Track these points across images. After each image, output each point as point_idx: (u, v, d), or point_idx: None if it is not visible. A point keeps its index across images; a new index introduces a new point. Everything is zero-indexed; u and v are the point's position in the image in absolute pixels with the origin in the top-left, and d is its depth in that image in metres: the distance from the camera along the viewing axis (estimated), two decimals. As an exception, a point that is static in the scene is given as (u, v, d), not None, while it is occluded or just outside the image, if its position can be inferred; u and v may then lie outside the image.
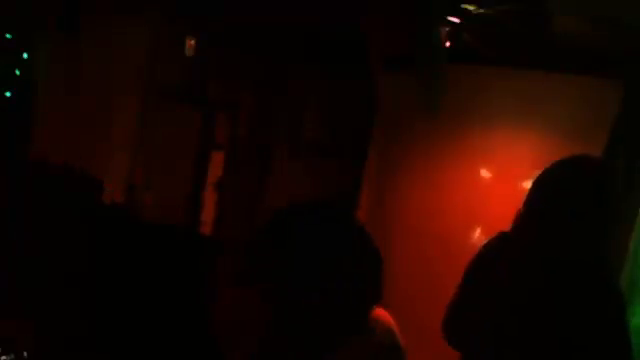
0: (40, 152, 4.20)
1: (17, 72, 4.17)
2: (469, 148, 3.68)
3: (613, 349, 1.89)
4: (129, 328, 0.95)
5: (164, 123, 3.90)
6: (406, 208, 3.93)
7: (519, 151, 3.47)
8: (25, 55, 4.17)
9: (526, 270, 1.98)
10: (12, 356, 1.16)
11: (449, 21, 3.10)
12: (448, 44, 3.17)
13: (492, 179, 3.62)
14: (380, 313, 2.58)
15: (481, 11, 2.97)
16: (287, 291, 1.02)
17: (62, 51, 4.13)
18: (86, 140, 4.00)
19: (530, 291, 1.95)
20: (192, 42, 3.82)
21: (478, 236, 3.53)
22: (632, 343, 1.91)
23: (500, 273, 2.05)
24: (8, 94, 4.14)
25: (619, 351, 1.89)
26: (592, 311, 1.89)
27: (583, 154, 2.13)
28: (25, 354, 1.22)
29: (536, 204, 2.02)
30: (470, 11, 3.00)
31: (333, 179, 4.44)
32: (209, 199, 4.35)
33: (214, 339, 1.05)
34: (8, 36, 4.10)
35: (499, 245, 2.12)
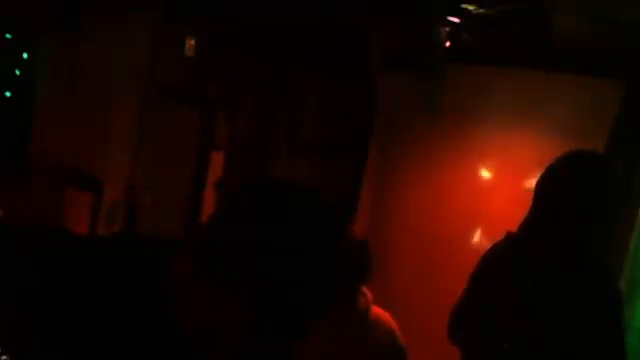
0: (40, 152, 4.20)
1: (17, 72, 4.17)
2: (469, 148, 3.68)
3: (610, 353, 1.89)
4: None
5: (164, 123, 3.90)
6: (406, 208, 3.93)
7: (519, 151, 3.47)
8: (25, 55, 4.17)
9: (538, 271, 1.95)
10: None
11: (449, 21, 3.10)
12: (448, 44, 3.17)
13: (492, 179, 3.62)
14: (381, 314, 2.59)
15: (481, 11, 2.97)
16: (250, 283, 0.97)
17: (62, 51, 4.13)
18: (86, 140, 4.00)
19: (541, 292, 1.94)
20: (192, 42, 3.82)
21: (478, 236, 3.53)
22: (626, 347, 1.92)
23: (509, 274, 2.03)
24: (8, 94, 4.14)
25: (615, 354, 1.89)
26: (596, 314, 1.88)
27: (587, 150, 2.11)
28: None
29: (547, 203, 1.99)
30: (470, 11, 3.00)
31: (333, 179, 4.44)
32: (209, 199, 4.35)
33: (188, 342, 1.00)
34: (8, 36, 4.10)
35: (507, 246, 2.10)
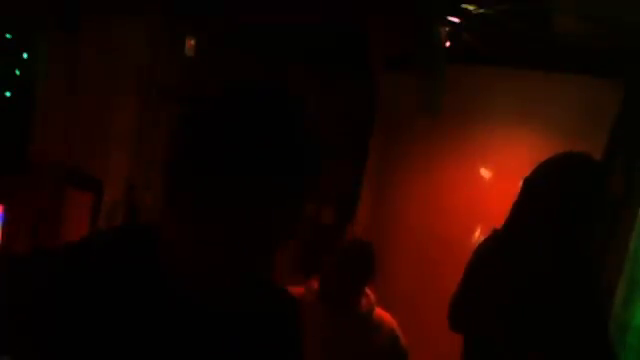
0: (40, 152, 4.20)
1: (17, 72, 4.16)
2: (469, 148, 3.68)
3: (598, 345, 1.91)
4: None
5: (164, 123, 3.90)
6: (406, 208, 3.93)
7: (519, 151, 3.47)
8: (25, 55, 4.16)
9: (522, 269, 1.98)
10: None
11: (449, 21, 3.10)
12: (448, 44, 3.17)
13: (492, 179, 3.63)
14: (384, 315, 2.59)
15: (481, 11, 2.97)
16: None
17: (62, 51, 4.13)
18: (86, 140, 4.00)
19: (526, 290, 1.96)
20: (192, 42, 3.82)
21: (478, 236, 3.53)
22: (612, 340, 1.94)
23: (495, 271, 2.06)
24: (8, 94, 4.14)
25: (602, 346, 1.91)
26: (578, 311, 1.90)
27: (576, 151, 2.13)
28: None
29: (532, 203, 2.02)
30: (470, 11, 3.00)
31: (333, 179, 4.44)
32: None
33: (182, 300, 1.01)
34: (8, 36, 4.10)
35: (493, 243, 2.13)
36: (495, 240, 2.12)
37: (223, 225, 0.94)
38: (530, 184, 2.05)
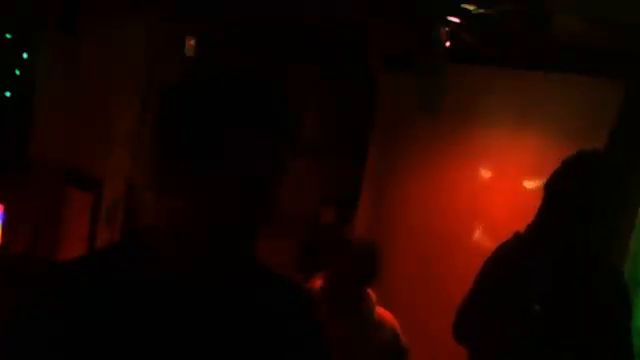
0: (40, 152, 4.20)
1: (17, 72, 4.17)
2: (469, 148, 3.68)
3: (619, 350, 1.90)
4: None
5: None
6: (406, 208, 3.94)
7: (519, 151, 3.47)
8: (25, 55, 4.17)
9: (547, 272, 1.96)
10: None
11: (449, 21, 3.10)
12: (448, 44, 3.17)
13: (492, 179, 3.63)
14: (384, 314, 2.59)
15: (481, 11, 2.97)
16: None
17: (62, 51, 4.13)
18: (86, 140, 4.00)
19: (550, 292, 1.94)
20: (192, 42, 3.82)
21: (478, 235, 3.53)
22: (633, 344, 1.92)
23: (518, 274, 2.03)
24: (8, 94, 4.14)
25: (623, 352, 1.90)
26: (606, 313, 1.89)
27: (595, 150, 2.11)
28: None
29: (557, 203, 2.00)
30: (470, 11, 3.00)
31: (333, 179, 4.44)
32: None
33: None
34: (8, 36, 4.10)
35: (515, 246, 2.10)
36: (517, 243, 2.10)
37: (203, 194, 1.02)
38: (549, 187, 2.02)
